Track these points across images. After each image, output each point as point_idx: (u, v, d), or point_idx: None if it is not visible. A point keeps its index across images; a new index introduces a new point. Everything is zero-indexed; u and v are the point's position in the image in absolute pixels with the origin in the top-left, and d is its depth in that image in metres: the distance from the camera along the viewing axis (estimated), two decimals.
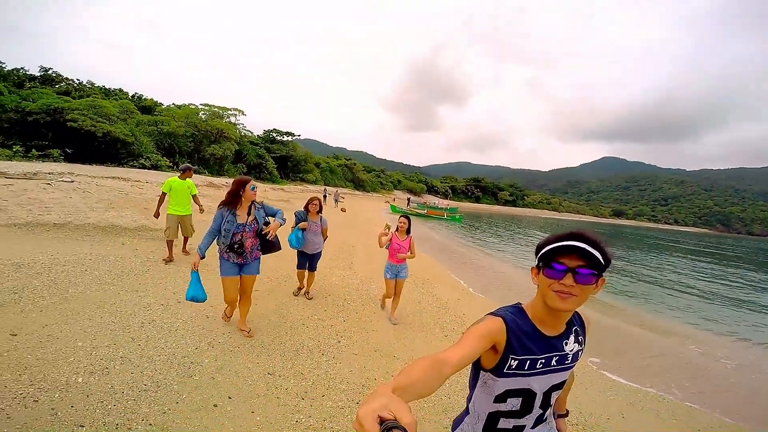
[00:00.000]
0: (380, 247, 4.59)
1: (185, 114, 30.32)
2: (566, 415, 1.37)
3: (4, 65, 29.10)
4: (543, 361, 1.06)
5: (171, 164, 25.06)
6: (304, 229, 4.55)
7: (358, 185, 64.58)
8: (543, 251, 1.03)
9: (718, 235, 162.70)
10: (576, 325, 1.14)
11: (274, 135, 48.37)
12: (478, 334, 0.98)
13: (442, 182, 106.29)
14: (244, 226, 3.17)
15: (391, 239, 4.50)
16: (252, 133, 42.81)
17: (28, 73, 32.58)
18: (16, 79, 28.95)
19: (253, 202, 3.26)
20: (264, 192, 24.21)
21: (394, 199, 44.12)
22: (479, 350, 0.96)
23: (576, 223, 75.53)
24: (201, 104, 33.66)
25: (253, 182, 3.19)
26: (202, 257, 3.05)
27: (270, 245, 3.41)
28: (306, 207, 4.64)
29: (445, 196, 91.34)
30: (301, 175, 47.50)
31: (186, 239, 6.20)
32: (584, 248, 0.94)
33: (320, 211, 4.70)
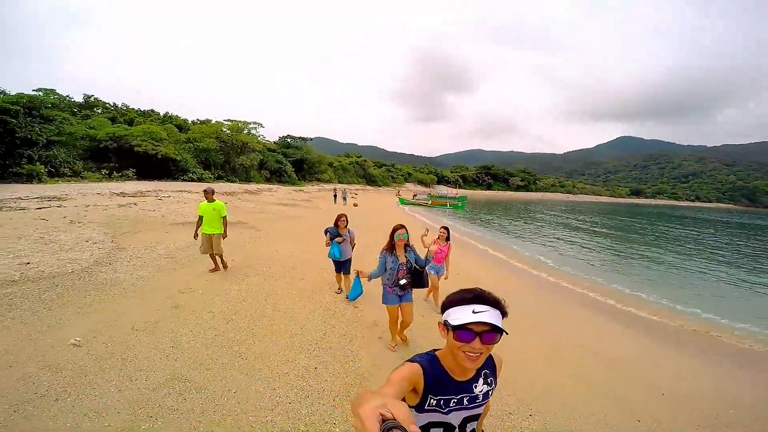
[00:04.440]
0: (424, 247, 5.36)
1: (214, 130, 34.74)
2: None
3: (59, 96, 32.98)
4: (456, 401, 1.19)
5: (211, 175, 29.67)
6: (340, 242, 5.41)
7: (370, 181, 67.66)
8: (451, 323, 1.10)
9: (744, 210, 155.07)
10: (485, 368, 1.26)
11: (289, 141, 52.54)
12: (401, 377, 1.10)
13: (452, 172, 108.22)
14: (404, 264, 3.83)
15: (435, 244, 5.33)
16: (270, 141, 47.00)
17: (73, 100, 37.34)
18: (66, 107, 33.04)
19: (405, 245, 3.85)
20: (288, 194, 27.81)
21: (399, 192, 48.01)
22: (403, 391, 1.09)
23: (592, 205, 71.59)
24: (225, 120, 38.19)
25: (400, 231, 3.76)
26: (369, 279, 4.00)
27: (421, 281, 3.99)
28: (336, 223, 5.50)
29: (456, 185, 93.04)
30: (316, 175, 51.35)
31: (220, 256, 6.37)
32: (489, 322, 1.05)
33: (347, 225, 5.55)
